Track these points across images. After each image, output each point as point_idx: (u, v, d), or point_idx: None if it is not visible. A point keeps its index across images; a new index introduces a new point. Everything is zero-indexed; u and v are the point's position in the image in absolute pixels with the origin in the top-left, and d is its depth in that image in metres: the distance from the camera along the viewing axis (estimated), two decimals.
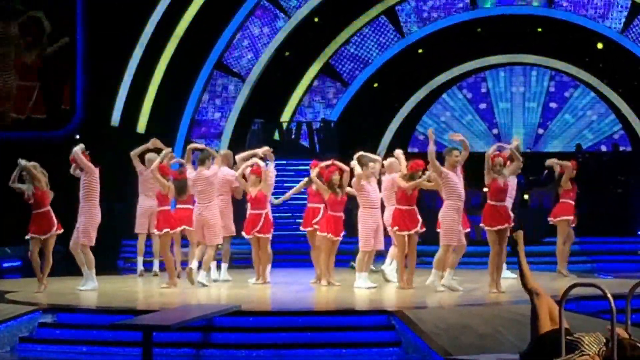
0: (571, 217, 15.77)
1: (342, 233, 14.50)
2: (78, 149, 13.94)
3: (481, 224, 13.48)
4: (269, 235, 14.95)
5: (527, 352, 7.79)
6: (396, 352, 10.34)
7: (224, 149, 16.62)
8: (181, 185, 14.49)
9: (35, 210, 13.66)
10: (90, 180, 13.90)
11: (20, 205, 13.88)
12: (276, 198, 15.51)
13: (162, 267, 15.38)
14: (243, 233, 14.94)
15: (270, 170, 15.18)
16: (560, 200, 15.95)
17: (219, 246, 15.04)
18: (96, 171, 13.97)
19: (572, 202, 15.88)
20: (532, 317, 7.74)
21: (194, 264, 14.41)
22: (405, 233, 13.77)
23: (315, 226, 14.73)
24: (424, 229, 13.99)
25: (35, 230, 13.61)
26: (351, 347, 10.50)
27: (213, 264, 15.17)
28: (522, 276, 7.93)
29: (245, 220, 14.89)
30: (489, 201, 13.45)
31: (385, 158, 15.12)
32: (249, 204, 14.96)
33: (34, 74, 24.85)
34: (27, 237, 13.70)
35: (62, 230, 13.83)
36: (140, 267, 16.50)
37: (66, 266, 16.21)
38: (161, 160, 14.37)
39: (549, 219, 15.97)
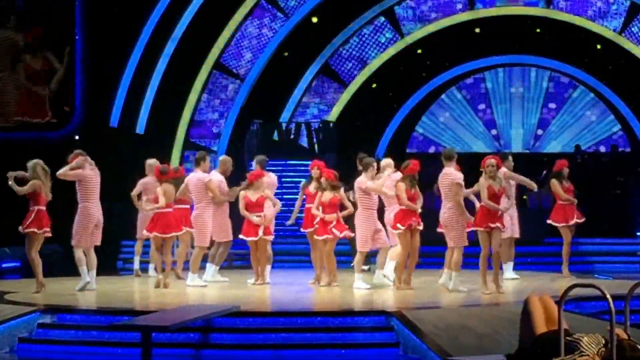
0: (563, 224, 15.83)
1: (328, 232, 14.39)
2: (61, 171, 13.92)
3: (472, 227, 13.47)
4: (270, 237, 14.96)
5: (514, 355, 7.84)
6: (395, 353, 10.34)
7: (226, 156, 16.57)
8: (176, 183, 14.63)
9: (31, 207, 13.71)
10: (80, 185, 13.94)
11: (20, 206, 13.87)
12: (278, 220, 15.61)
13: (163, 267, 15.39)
14: (242, 236, 14.90)
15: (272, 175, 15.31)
16: (557, 202, 16.02)
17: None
18: (87, 175, 13.93)
19: (565, 203, 15.88)
20: (523, 318, 7.77)
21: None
22: (402, 229, 13.70)
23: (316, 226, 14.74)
24: (421, 226, 13.92)
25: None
26: (350, 347, 10.50)
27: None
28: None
29: (245, 223, 14.82)
30: (482, 204, 13.45)
31: (385, 158, 15.13)
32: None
33: (44, 79, 24.88)
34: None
35: (48, 234, 13.73)
36: (136, 266, 16.53)
37: (65, 267, 16.21)
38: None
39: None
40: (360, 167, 14.58)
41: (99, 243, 14.13)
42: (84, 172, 13.93)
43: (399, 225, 13.61)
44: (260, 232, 14.61)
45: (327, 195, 14.31)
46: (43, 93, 24.75)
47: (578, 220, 15.99)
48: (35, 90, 24.77)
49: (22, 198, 13.69)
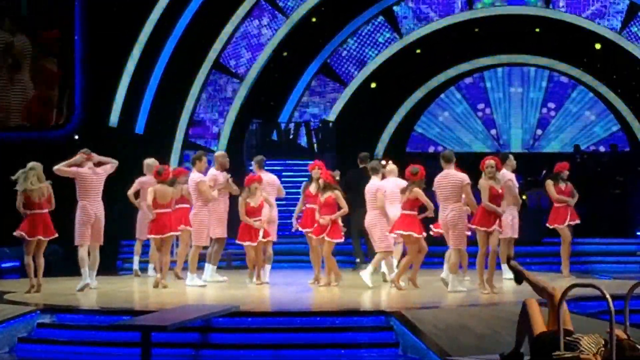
0: (559, 225, 15.87)
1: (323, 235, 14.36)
2: (56, 167, 13.96)
3: (471, 225, 13.47)
4: (272, 239, 14.93)
5: (508, 355, 7.86)
6: (394, 353, 10.34)
7: (220, 150, 16.60)
8: (174, 184, 14.70)
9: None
10: (78, 183, 13.99)
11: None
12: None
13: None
14: (239, 242, 14.87)
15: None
16: (553, 204, 16.06)
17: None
18: (83, 173, 13.97)
19: (560, 205, 15.89)
20: (521, 319, 7.78)
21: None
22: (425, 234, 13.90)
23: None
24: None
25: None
26: (350, 347, 10.50)
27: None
28: (537, 289, 7.99)
29: (242, 228, 14.72)
30: (483, 204, 13.46)
31: (384, 158, 15.22)
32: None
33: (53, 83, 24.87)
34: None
35: (28, 238, 13.68)
36: (135, 266, 16.53)
37: (64, 267, 16.21)
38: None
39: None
40: (361, 165, 14.60)
41: (101, 242, 14.17)
42: (80, 170, 13.96)
43: (424, 230, 13.79)
44: (260, 236, 14.58)
45: (323, 195, 14.33)
46: (53, 97, 24.72)
47: (571, 222, 15.97)
48: (44, 94, 24.74)
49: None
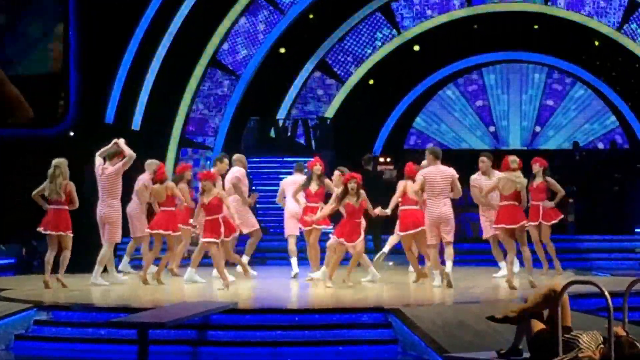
0: (531, 223, 15.58)
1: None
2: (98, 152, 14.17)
3: (500, 224, 13.38)
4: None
5: (506, 352, 7.84)
6: (393, 350, 10.32)
7: (237, 154, 16.50)
8: (177, 179, 14.73)
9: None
10: None
11: (15, 204, 13.83)
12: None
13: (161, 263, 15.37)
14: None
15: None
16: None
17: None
18: (96, 170, 14.06)
19: (534, 204, 15.61)
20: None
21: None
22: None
23: (317, 226, 14.65)
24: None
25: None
26: (348, 344, 10.49)
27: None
28: (541, 307, 7.90)
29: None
30: (502, 202, 13.44)
31: (382, 155, 15.17)
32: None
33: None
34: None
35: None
36: (122, 265, 16.46)
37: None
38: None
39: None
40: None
41: (113, 241, 14.18)
42: (98, 166, 14.04)
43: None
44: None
45: (357, 200, 13.85)
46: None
47: (524, 223, 15.57)
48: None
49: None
